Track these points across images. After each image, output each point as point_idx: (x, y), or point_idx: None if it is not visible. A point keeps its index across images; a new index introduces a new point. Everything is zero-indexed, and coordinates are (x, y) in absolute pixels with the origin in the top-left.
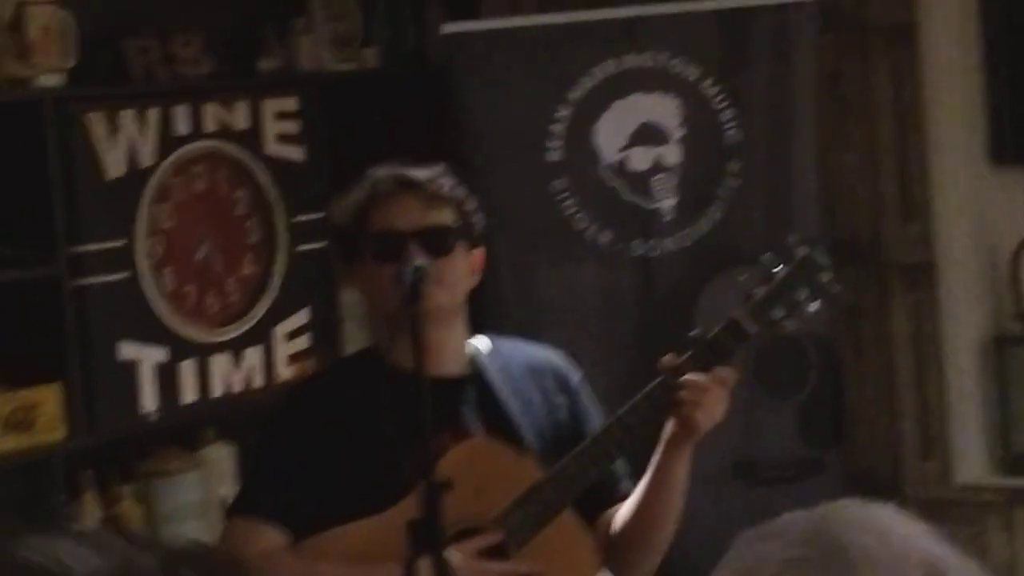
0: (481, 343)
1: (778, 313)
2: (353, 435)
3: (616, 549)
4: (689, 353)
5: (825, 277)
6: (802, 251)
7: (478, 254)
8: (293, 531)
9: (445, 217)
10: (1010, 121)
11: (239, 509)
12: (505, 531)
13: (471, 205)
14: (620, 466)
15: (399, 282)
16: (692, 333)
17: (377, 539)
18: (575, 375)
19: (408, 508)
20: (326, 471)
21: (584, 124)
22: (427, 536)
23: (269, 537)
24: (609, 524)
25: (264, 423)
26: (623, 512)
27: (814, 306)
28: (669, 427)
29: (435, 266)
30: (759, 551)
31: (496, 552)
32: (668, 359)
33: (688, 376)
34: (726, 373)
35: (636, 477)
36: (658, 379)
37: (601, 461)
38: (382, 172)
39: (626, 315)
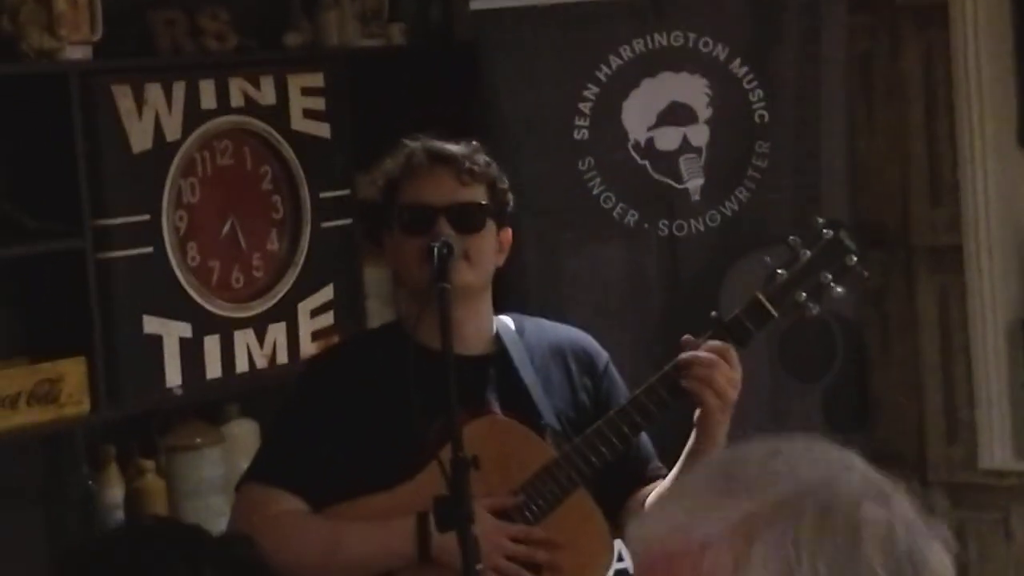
0: (507, 322)
1: (801, 296)
2: (372, 407)
3: None
4: (708, 334)
5: (851, 260)
6: (828, 233)
7: (506, 233)
8: (306, 499)
9: (477, 194)
10: None
11: (254, 476)
12: (517, 509)
13: (503, 184)
14: (648, 446)
15: (427, 257)
16: (712, 314)
17: (396, 511)
18: (602, 357)
19: (425, 482)
20: (343, 442)
21: (612, 103)
22: (454, 512)
23: (284, 501)
24: (641, 504)
25: (286, 392)
26: (654, 495)
27: (839, 289)
28: (696, 411)
29: (464, 242)
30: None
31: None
32: (686, 339)
33: (687, 355)
34: (724, 350)
35: (660, 457)
36: (673, 361)
37: (615, 442)
38: (416, 145)
39: (652, 295)
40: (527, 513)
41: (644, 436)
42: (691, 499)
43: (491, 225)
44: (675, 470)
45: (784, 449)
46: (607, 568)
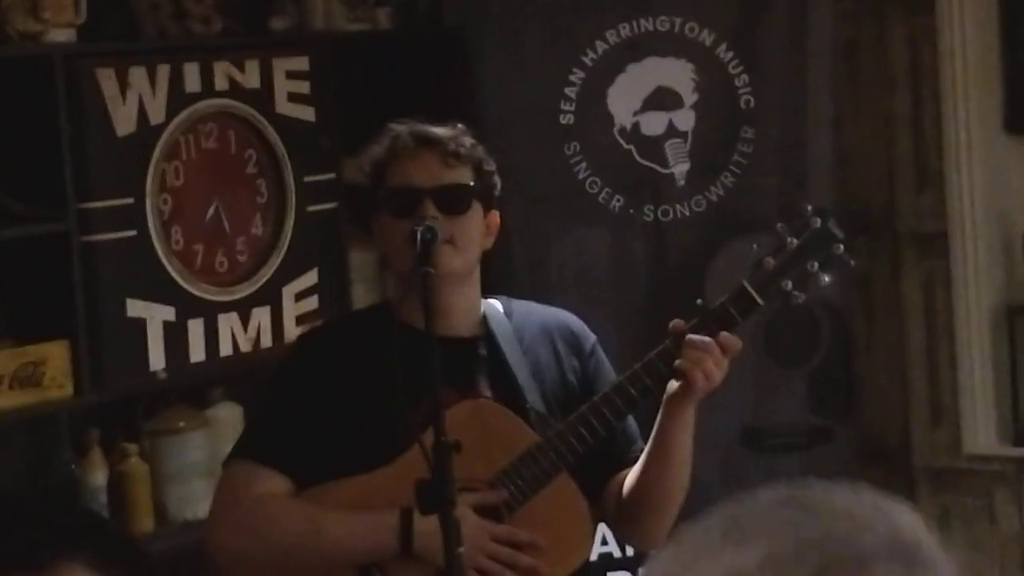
0: (495, 305)
1: (788, 284)
2: (358, 387)
3: (624, 512)
4: (694, 322)
5: (838, 249)
6: (816, 222)
7: (493, 216)
8: (293, 478)
9: (462, 176)
10: None
11: (241, 453)
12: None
13: (489, 166)
14: (633, 428)
15: (412, 241)
16: (698, 302)
17: (377, 493)
18: (589, 338)
19: (409, 464)
20: (329, 421)
21: (598, 88)
22: (435, 496)
23: (270, 481)
24: (619, 486)
25: (272, 371)
26: (630, 476)
27: (826, 278)
28: (669, 387)
29: (449, 224)
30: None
31: (490, 513)
32: (674, 324)
33: (690, 336)
34: (729, 340)
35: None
36: (660, 346)
37: (597, 428)
38: (402, 128)
39: (637, 280)
40: (509, 499)
41: (629, 418)
42: (688, 546)
43: (477, 207)
44: (645, 451)
45: (802, 497)
46: (588, 552)
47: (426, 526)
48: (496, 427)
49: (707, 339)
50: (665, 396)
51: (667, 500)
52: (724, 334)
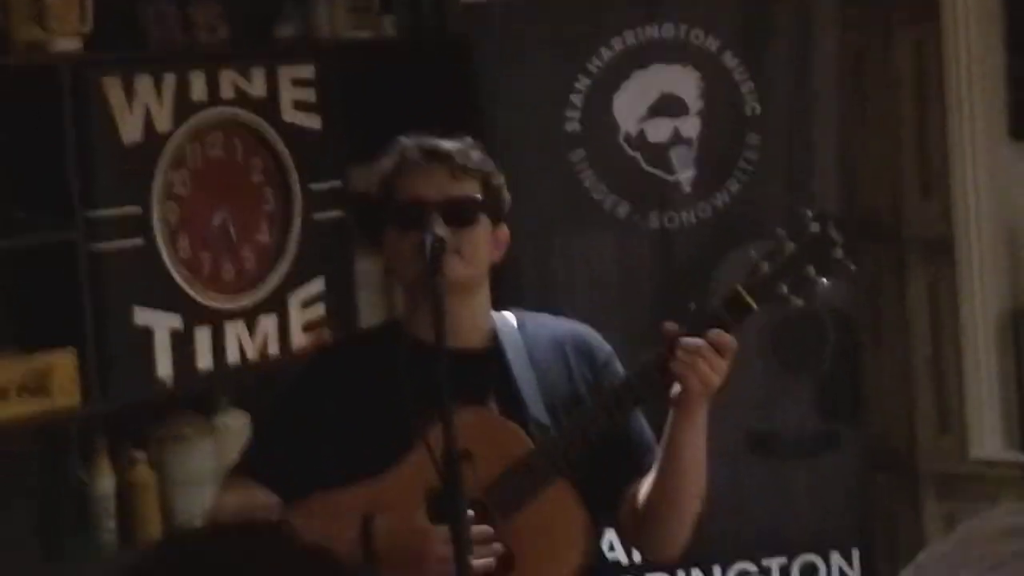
0: (508, 318)
1: (784, 288)
2: (366, 404)
3: (638, 520)
4: (687, 326)
5: (837, 253)
6: (814, 226)
7: (502, 231)
8: (288, 495)
9: (470, 189)
10: None
11: (236, 468)
12: (493, 500)
13: (497, 180)
14: (647, 435)
15: (421, 252)
16: (691, 306)
17: (383, 498)
18: (604, 350)
19: (413, 467)
20: (333, 439)
21: (603, 95)
22: (447, 505)
23: (258, 496)
24: (635, 496)
25: (279, 387)
26: (645, 485)
27: (824, 282)
28: (672, 392)
29: (457, 237)
30: None
31: (482, 521)
32: (667, 327)
33: (681, 339)
34: (721, 338)
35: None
36: (654, 352)
37: (590, 433)
38: (410, 141)
39: (643, 287)
40: (498, 508)
41: (644, 427)
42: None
43: (485, 221)
44: (658, 458)
45: None
46: (583, 559)
47: (383, 528)
48: (496, 437)
49: (698, 340)
50: (671, 401)
51: (677, 506)
52: (714, 332)
